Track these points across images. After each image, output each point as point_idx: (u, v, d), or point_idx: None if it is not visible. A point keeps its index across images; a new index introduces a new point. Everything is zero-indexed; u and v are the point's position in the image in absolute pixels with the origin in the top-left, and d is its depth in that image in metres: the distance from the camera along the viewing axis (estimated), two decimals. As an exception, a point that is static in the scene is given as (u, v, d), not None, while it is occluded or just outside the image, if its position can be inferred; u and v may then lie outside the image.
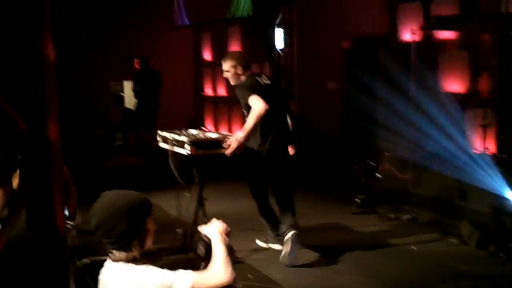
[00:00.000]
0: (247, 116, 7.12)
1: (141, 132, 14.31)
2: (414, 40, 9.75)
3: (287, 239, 7.14)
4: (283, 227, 7.39)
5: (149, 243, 3.38)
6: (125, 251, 3.18)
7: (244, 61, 7.57)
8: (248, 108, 7.06)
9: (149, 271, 3.12)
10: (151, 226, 3.33)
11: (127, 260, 3.16)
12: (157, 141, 7.92)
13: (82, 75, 14.78)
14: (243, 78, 7.48)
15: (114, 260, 3.16)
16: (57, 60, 1.43)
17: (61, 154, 1.36)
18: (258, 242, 7.88)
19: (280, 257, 7.13)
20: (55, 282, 1.40)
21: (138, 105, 14.62)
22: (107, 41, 15.41)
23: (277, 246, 7.59)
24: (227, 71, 7.54)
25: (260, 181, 7.62)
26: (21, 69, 1.32)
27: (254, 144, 7.26)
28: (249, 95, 7.04)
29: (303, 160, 12.45)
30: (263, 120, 7.02)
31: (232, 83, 7.66)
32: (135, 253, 3.22)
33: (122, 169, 12.53)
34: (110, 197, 3.20)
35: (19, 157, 1.32)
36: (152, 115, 14.35)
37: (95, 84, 15.23)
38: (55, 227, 1.33)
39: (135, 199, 3.26)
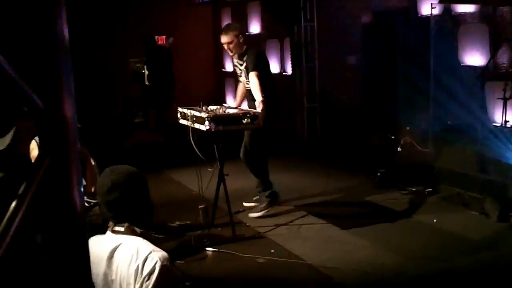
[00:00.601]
0: (247, 82, 7.89)
1: (160, 109, 14.34)
2: (433, 14, 9.67)
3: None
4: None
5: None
6: (132, 224, 3.27)
7: (242, 30, 8.13)
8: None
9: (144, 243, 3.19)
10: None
11: (129, 233, 3.25)
12: (174, 117, 8.04)
13: (101, 52, 14.80)
14: (244, 47, 7.90)
15: (116, 232, 3.25)
16: (75, 38, 1.44)
17: (77, 132, 1.37)
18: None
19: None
20: (73, 260, 1.41)
21: (152, 84, 14.62)
22: (125, 18, 15.40)
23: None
24: (230, 42, 7.81)
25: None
26: (33, 46, 1.33)
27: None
28: (252, 69, 7.65)
29: (323, 134, 12.48)
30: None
31: (235, 52, 7.85)
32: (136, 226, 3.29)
33: (143, 146, 12.60)
34: (126, 173, 3.30)
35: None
36: (168, 91, 14.35)
37: (114, 62, 15.23)
38: (72, 206, 1.34)
39: (142, 176, 3.36)
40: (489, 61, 9.10)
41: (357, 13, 12.62)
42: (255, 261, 6.57)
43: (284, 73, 14.29)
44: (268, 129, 7.67)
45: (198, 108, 7.47)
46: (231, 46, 7.81)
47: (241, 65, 7.99)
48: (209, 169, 7.57)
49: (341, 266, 6.25)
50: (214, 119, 6.85)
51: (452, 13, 10.03)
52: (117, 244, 3.17)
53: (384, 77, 11.88)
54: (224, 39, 7.86)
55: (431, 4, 9.48)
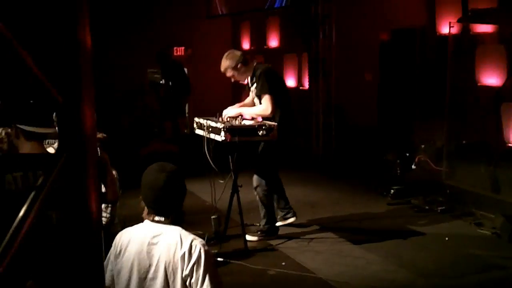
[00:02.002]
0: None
1: (174, 119, 14.36)
2: (452, 33, 9.67)
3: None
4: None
5: None
6: (172, 217, 3.66)
7: (241, 57, 7.69)
8: (260, 99, 7.55)
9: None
10: None
11: (168, 223, 3.63)
12: (190, 127, 8.05)
13: (120, 63, 14.87)
14: (251, 68, 7.68)
15: (157, 222, 3.62)
16: (94, 47, 1.48)
17: (96, 139, 1.40)
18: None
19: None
20: (88, 265, 1.44)
21: (167, 94, 14.63)
22: (145, 29, 15.49)
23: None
24: (232, 76, 7.75)
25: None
26: (57, 55, 1.36)
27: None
28: (265, 91, 7.43)
29: (338, 151, 12.48)
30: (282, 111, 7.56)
31: (242, 81, 7.79)
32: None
33: (158, 156, 12.62)
34: (176, 172, 3.85)
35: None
36: (181, 101, 14.37)
37: (132, 72, 15.31)
38: (89, 213, 1.37)
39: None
40: (505, 82, 9.09)
41: (375, 31, 12.65)
42: (266, 273, 6.58)
43: (301, 88, 14.33)
44: (281, 149, 7.65)
45: (214, 118, 7.50)
46: (235, 78, 7.80)
47: (252, 85, 7.80)
48: (221, 181, 7.58)
49: (351, 281, 6.25)
50: (230, 129, 6.88)
51: (471, 33, 10.04)
52: (159, 233, 3.54)
53: (400, 95, 11.89)
54: (226, 74, 7.75)
55: (450, 23, 9.48)
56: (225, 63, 7.62)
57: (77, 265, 1.41)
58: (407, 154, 10.51)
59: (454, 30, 9.62)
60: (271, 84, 7.48)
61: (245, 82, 7.96)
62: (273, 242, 7.53)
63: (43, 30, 1.45)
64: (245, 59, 7.69)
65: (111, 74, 14.02)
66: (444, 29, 10.30)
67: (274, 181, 7.85)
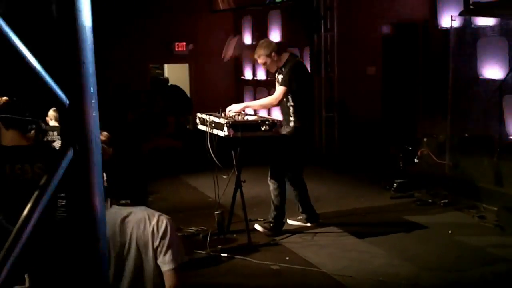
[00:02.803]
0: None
1: (179, 115, 14.39)
2: (453, 26, 9.66)
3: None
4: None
5: None
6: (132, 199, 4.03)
7: (276, 47, 7.74)
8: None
9: None
10: None
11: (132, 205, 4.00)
12: (189, 123, 8.06)
13: (121, 58, 14.88)
14: (283, 60, 7.68)
15: (122, 205, 3.97)
16: (95, 43, 1.49)
17: (99, 135, 1.42)
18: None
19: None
20: (92, 263, 1.45)
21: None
22: (146, 23, 15.48)
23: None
24: (264, 63, 7.71)
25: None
26: (59, 49, 1.37)
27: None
28: (284, 84, 7.43)
29: (341, 144, 12.48)
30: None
31: (273, 70, 7.77)
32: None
33: (161, 152, 12.65)
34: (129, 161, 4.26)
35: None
36: (185, 103, 14.43)
37: (134, 67, 15.31)
38: (93, 212, 1.39)
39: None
40: (507, 75, 9.09)
41: (377, 24, 12.65)
42: (270, 268, 6.59)
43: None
44: (301, 147, 7.70)
45: (217, 114, 7.50)
46: (266, 66, 7.76)
47: (279, 74, 7.78)
48: (224, 176, 7.60)
49: (355, 275, 6.26)
50: (233, 125, 6.89)
51: (472, 26, 10.03)
52: (127, 213, 3.89)
53: (403, 88, 11.90)
54: (258, 60, 7.78)
55: (451, 16, 9.47)
56: (260, 50, 7.66)
57: (80, 263, 1.42)
58: (410, 148, 10.52)
59: (456, 23, 9.62)
60: (294, 79, 7.48)
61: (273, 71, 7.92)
62: (277, 237, 7.54)
63: (45, 27, 1.46)
64: (279, 49, 7.76)
65: (112, 70, 14.01)
66: (446, 23, 10.29)
67: (294, 180, 7.88)
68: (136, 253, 3.89)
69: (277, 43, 7.93)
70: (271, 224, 7.70)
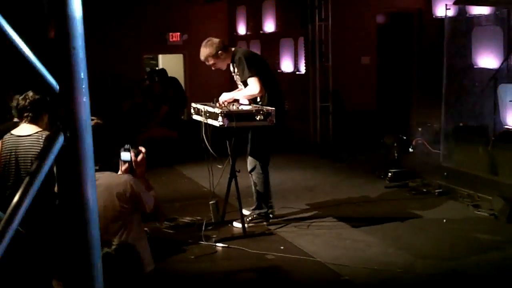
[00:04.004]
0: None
1: (175, 106, 14.33)
2: (448, 16, 9.66)
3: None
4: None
5: None
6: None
7: (220, 44, 7.56)
8: (245, 84, 7.46)
9: None
10: None
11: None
12: (183, 113, 8.02)
13: (114, 48, 14.83)
14: (231, 54, 7.56)
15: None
16: (87, 32, 1.47)
17: (90, 121, 1.40)
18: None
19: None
20: (83, 256, 1.44)
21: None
22: (139, 13, 15.42)
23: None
24: (214, 64, 7.59)
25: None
26: (49, 39, 1.36)
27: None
28: (249, 75, 7.32)
29: (335, 134, 12.48)
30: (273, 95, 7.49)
31: (223, 68, 7.70)
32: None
33: (156, 142, 12.61)
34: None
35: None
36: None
37: (127, 58, 15.26)
38: (82, 196, 1.37)
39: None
40: (502, 64, 9.09)
41: (372, 14, 12.63)
42: (265, 258, 6.59)
43: (297, 72, 14.29)
44: (274, 132, 7.51)
45: (211, 104, 7.48)
46: (217, 66, 7.62)
47: (233, 72, 7.72)
48: (219, 166, 7.58)
49: (350, 264, 6.27)
50: (228, 115, 6.86)
51: (467, 15, 10.03)
52: (97, 178, 4.09)
53: (397, 78, 11.90)
54: (206, 62, 7.62)
55: (446, 5, 9.47)
56: (205, 51, 7.49)
57: (71, 256, 1.41)
58: (405, 137, 10.53)
59: (451, 12, 9.62)
60: (253, 66, 7.37)
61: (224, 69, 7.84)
62: (272, 227, 7.53)
63: (34, 12, 1.44)
64: (225, 46, 7.59)
65: (105, 60, 13.97)
66: (441, 12, 10.29)
67: (264, 170, 7.69)
68: (108, 215, 4.73)
69: (221, 40, 7.67)
70: (255, 214, 7.70)
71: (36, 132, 5.49)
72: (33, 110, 5.51)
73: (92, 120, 1.42)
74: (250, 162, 7.63)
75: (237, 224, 7.51)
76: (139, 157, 5.22)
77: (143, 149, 5.33)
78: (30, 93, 5.56)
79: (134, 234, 4.89)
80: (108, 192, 4.72)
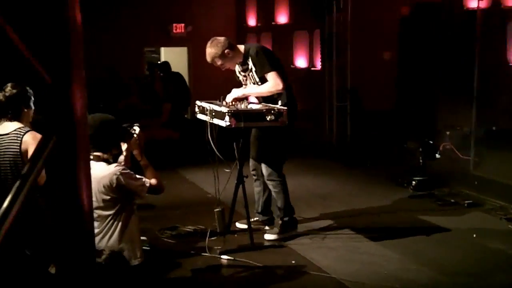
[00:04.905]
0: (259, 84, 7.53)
1: (178, 104, 14.37)
2: (480, 7, 9.63)
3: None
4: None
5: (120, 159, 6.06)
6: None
7: (226, 42, 7.53)
8: (262, 80, 7.42)
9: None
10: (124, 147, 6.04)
11: (95, 160, 5.53)
12: (186, 112, 8.00)
13: (113, 40, 14.86)
14: (241, 52, 7.56)
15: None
16: (86, 24, 1.48)
17: (87, 124, 1.40)
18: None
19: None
20: (78, 253, 1.44)
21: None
22: (140, 2, 15.45)
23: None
24: (222, 65, 7.59)
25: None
26: (46, 32, 1.36)
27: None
28: (271, 69, 7.31)
29: (353, 136, 12.47)
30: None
31: (233, 68, 7.70)
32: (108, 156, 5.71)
33: (157, 143, 12.63)
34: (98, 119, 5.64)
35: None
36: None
37: (127, 50, 15.28)
38: (78, 190, 1.37)
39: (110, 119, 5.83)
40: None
41: (394, 4, 12.60)
42: (274, 272, 6.59)
43: (312, 68, 14.31)
44: (288, 133, 7.51)
45: (218, 102, 7.47)
46: (225, 66, 7.62)
47: (245, 70, 7.68)
48: (226, 170, 7.58)
49: (367, 281, 6.25)
50: (235, 114, 6.84)
51: (501, 6, 9.99)
52: None
53: (422, 75, 11.85)
54: (214, 64, 7.63)
55: (477, -5, 9.46)
56: (211, 52, 7.48)
57: (66, 254, 1.42)
58: (430, 142, 10.50)
59: (483, 3, 9.59)
60: (271, 59, 7.40)
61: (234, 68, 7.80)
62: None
63: (30, 5, 1.44)
64: (231, 44, 7.54)
65: (103, 53, 14.00)
66: (472, 3, 10.26)
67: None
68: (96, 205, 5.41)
69: (226, 38, 7.63)
70: (285, 222, 7.67)
71: (15, 130, 5.58)
72: (11, 106, 5.59)
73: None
74: (264, 169, 7.60)
75: (269, 236, 7.56)
76: (132, 140, 6.03)
77: (137, 130, 6.08)
78: (8, 87, 5.63)
79: (124, 223, 5.69)
80: (96, 182, 5.35)
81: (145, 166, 6.06)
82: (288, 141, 7.62)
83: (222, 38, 7.57)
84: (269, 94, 7.42)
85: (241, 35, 17.49)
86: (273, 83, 7.30)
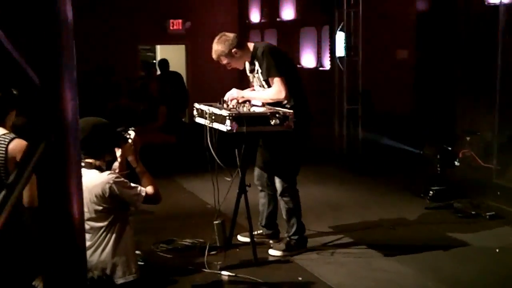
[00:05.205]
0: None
1: (175, 107, 14.39)
2: (503, 2, 9.63)
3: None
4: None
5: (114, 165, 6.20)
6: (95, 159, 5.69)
7: (235, 41, 7.52)
8: (268, 84, 7.40)
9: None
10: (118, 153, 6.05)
11: (87, 167, 5.58)
12: (184, 115, 8.00)
13: (105, 37, 14.88)
14: (249, 51, 7.55)
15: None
16: (78, 20, 1.48)
17: (79, 131, 1.40)
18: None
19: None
20: (69, 264, 1.45)
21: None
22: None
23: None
24: (228, 63, 7.60)
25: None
26: (35, 30, 1.36)
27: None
28: (276, 74, 7.28)
29: (365, 142, 12.47)
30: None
31: (240, 67, 7.70)
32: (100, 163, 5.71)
33: (153, 148, 12.63)
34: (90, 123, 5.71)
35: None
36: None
37: (120, 49, 15.31)
38: (68, 196, 1.37)
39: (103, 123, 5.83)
40: None
41: (410, -1, 12.62)
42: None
43: (320, 68, 14.31)
44: (301, 140, 7.52)
45: (218, 105, 7.46)
46: (232, 65, 7.66)
47: (252, 71, 7.66)
48: (227, 179, 7.57)
49: (381, 299, 6.26)
50: (237, 118, 6.84)
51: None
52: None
53: (440, 76, 11.86)
54: (220, 62, 7.64)
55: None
56: (218, 49, 7.48)
57: (56, 270, 1.42)
58: (449, 148, 10.50)
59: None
60: (278, 63, 7.35)
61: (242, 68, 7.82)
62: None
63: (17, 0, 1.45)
64: (240, 42, 7.53)
65: (94, 52, 14.02)
66: (494, -3, 10.27)
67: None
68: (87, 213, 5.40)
69: (235, 35, 7.63)
70: (293, 240, 7.64)
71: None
72: None
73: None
74: (278, 183, 7.57)
75: (274, 252, 7.52)
76: (127, 145, 6.07)
77: (132, 134, 6.11)
78: None
79: (118, 235, 5.72)
80: (88, 192, 5.34)
81: (141, 173, 6.04)
82: (301, 150, 7.59)
83: (231, 35, 7.56)
84: (270, 101, 7.41)
85: (244, 32, 17.51)
86: (276, 90, 7.26)
